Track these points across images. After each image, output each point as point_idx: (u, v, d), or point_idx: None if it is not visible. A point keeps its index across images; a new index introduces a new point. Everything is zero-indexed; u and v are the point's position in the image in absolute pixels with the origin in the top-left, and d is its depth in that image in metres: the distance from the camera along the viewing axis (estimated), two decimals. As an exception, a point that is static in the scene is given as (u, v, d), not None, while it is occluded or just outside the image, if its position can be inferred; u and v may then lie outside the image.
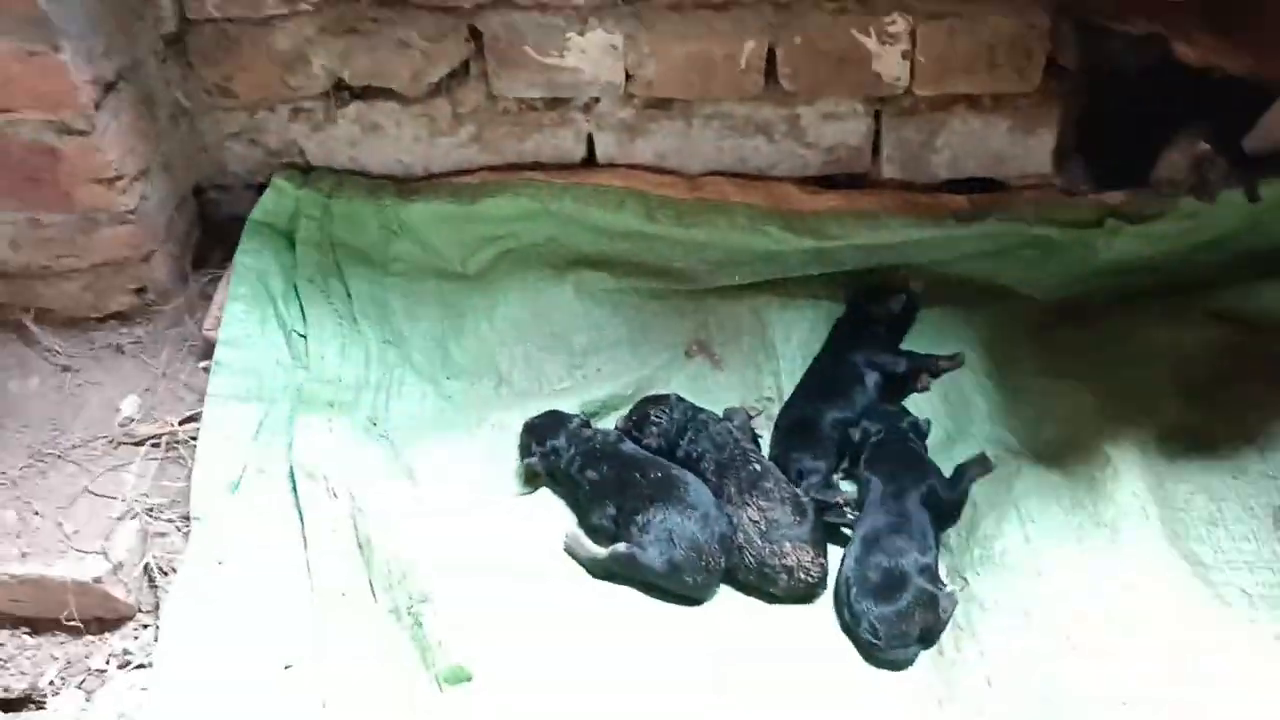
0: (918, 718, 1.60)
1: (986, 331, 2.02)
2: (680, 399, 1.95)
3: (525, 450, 1.86)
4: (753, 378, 2.08)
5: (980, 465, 1.86)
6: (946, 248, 2.06)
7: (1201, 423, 1.86)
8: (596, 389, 2.02)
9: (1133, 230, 2.01)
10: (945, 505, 1.82)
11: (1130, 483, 1.74)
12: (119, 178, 1.87)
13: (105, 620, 1.82)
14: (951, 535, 1.81)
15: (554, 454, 1.83)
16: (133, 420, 1.95)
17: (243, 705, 1.63)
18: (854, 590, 1.72)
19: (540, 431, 1.85)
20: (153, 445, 1.92)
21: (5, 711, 1.79)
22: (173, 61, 2.00)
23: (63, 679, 1.80)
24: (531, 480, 1.87)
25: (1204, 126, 1.88)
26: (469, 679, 1.60)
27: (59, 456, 1.90)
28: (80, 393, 1.98)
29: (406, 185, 2.12)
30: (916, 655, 1.69)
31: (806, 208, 2.06)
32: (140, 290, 2.05)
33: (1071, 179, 2.07)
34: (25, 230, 1.93)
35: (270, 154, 2.14)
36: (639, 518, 1.73)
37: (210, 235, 2.18)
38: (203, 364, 1.99)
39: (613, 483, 1.78)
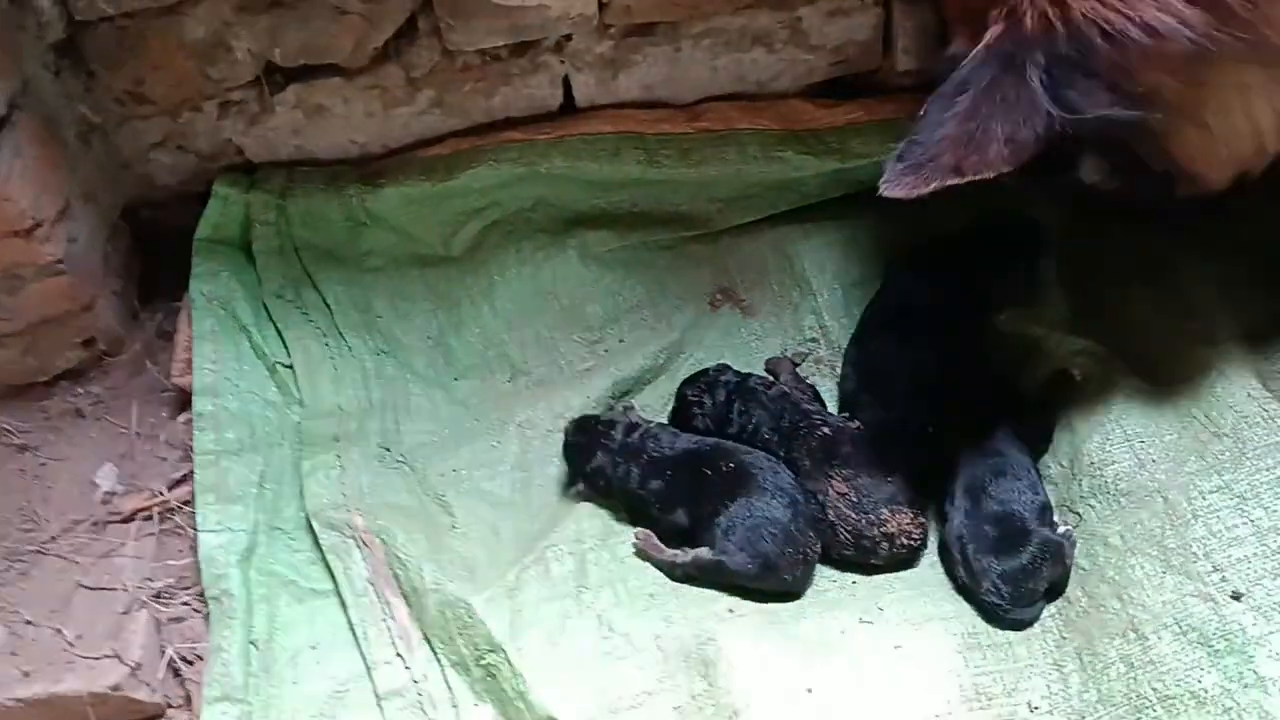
0: (1059, 678, 1.45)
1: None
2: (720, 369, 1.74)
3: (570, 479, 1.65)
4: (790, 319, 1.87)
5: (1066, 383, 1.68)
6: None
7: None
8: (624, 364, 1.80)
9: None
10: (1038, 434, 1.64)
11: (1243, 383, 1.56)
12: (37, 225, 1.59)
13: (129, 721, 1.62)
14: (1052, 466, 1.63)
15: (600, 476, 1.62)
16: (114, 494, 1.70)
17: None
18: (970, 547, 1.54)
19: (578, 453, 1.64)
20: (144, 519, 1.68)
21: None
22: (69, 73, 1.69)
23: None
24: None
25: None
26: (555, 728, 1.43)
27: (39, 552, 1.66)
28: (46, 473, 1.73)
29: (368, 169, 1.85)
30: (1042, 610, 1.53)
31: (823, 124, 1.83)
32: (88, 342, 1.78)
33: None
34: (-60, 299, 1.65)
35: (204, 159, 1.85)
36: (720, 520, 1.54)
37: (153, 260, 1.90)
38: (181, 417, 1.74)
39: (683, 487, 1.57)
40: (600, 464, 1.61)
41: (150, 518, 1.68)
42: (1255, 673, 1.35)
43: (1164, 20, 1.23)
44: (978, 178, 1.28)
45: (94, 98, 1.73)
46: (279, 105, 1.80)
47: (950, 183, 1.29)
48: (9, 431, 1.75)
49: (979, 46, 1.30)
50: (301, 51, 1.73)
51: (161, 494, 1.69)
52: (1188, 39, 1.24)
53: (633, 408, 1.74)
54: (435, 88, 1.82)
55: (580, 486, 1.64)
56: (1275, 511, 1.45)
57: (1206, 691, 1.37)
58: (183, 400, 1.76)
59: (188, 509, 1.69)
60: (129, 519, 1.68)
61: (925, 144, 1.30)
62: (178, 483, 1.71)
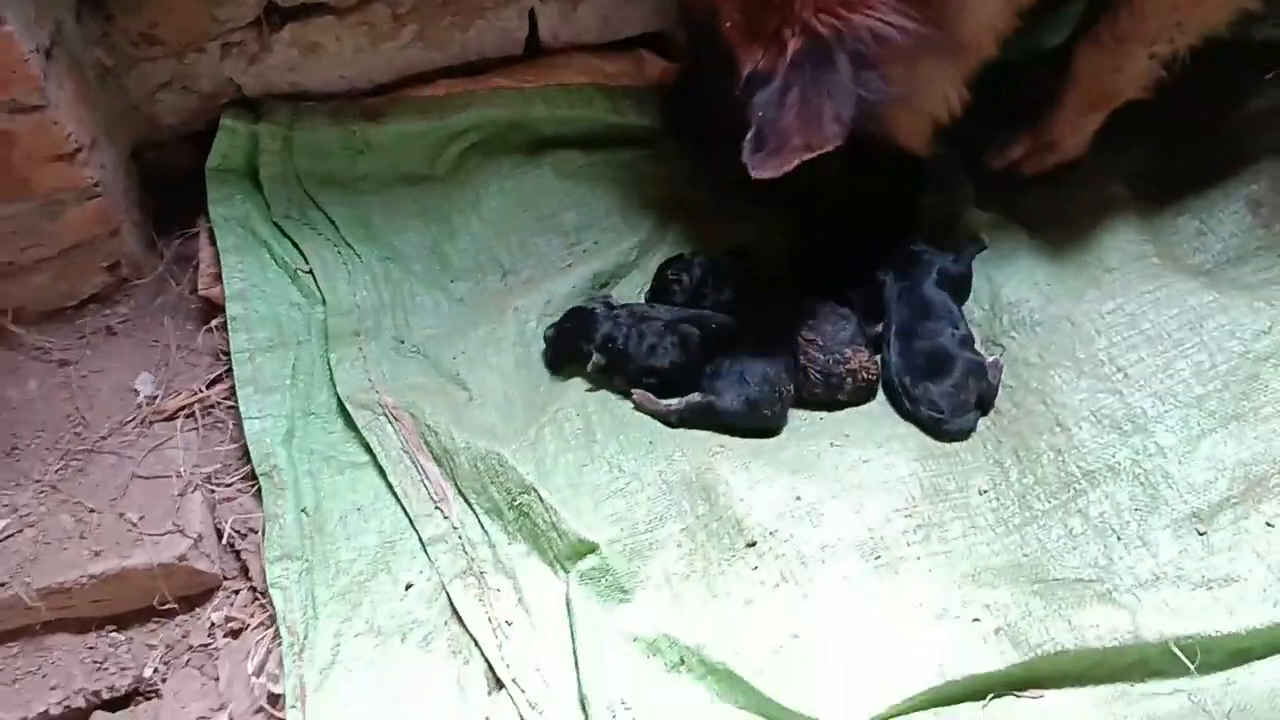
0: (999, 470, 1.75)
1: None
2: (694, 253, 2.00)
3: (576, 354, 1.88)
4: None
5: (977, 244, 1.99)
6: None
7: (1158, 163, 2.05)
8: (600, 260, 2.05)
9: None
10: (957, 280, 1.95)
11: (1125, 232, 1.92)
12: (78, 149, 1.75)
13: (191, 597, 1.79)
14: (976, 311, 1.95)
15: (610, 341, 1.85)
16: (155, 398, 1.87)
17: (377, 645, 1.66)
18: (907, 379, 1.84)
19: (584, 327, 1.87)
20: (187, 416, 1.86)
21: (115, 710, 1.76)
22: (89, 18, 1.85)
23: (166, 664, 1.77)
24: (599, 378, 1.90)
25: None
26: (594, 549, 1.67)
27: (92, 451, 1.82)
28: (87, 383, 1.89)
29: (371, 107, 2.05)
30: (977, 420, 1.83)
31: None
32: (113, 267, 1.94)
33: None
34: (-17, 228, 1.80)
35: (205, 99, 2.03)
36: (708, 369, 1.80)
37: (159, 198, 2.07)
38: (206, 328, 1.92)
39: (675, 345, 1.84)
40: (609, 331, 1.85)
41: (192, 414, 1.86)
42: (1157, 444, 1.68)
43: (900, 22, 1.59)
44: (821, 151, 1.59)
45: (110, 41, 1.89)
46: (276, 44, 1.99)
47: (804, 159, 1.59)
48: (47, 349, 1.90)
49: (786, 56, 1.59)
50: (300, -8, 1.94)
51: (200, 392, 1.87)
52: (911, 35, 1.59)
53: (610, 298, 1.98)
54: (418, 22, 2.03)
55: (598, 357, 1.85)
56: (1158, 323, 1.79)
57: (1120, 464, 1.69)
58: (207, 311, 1.94)
59: (225, 404, 1.87)
60: (172, 417, 1.86)
61: (773, 133, 1.60)
62: (212, 382, 1.89)
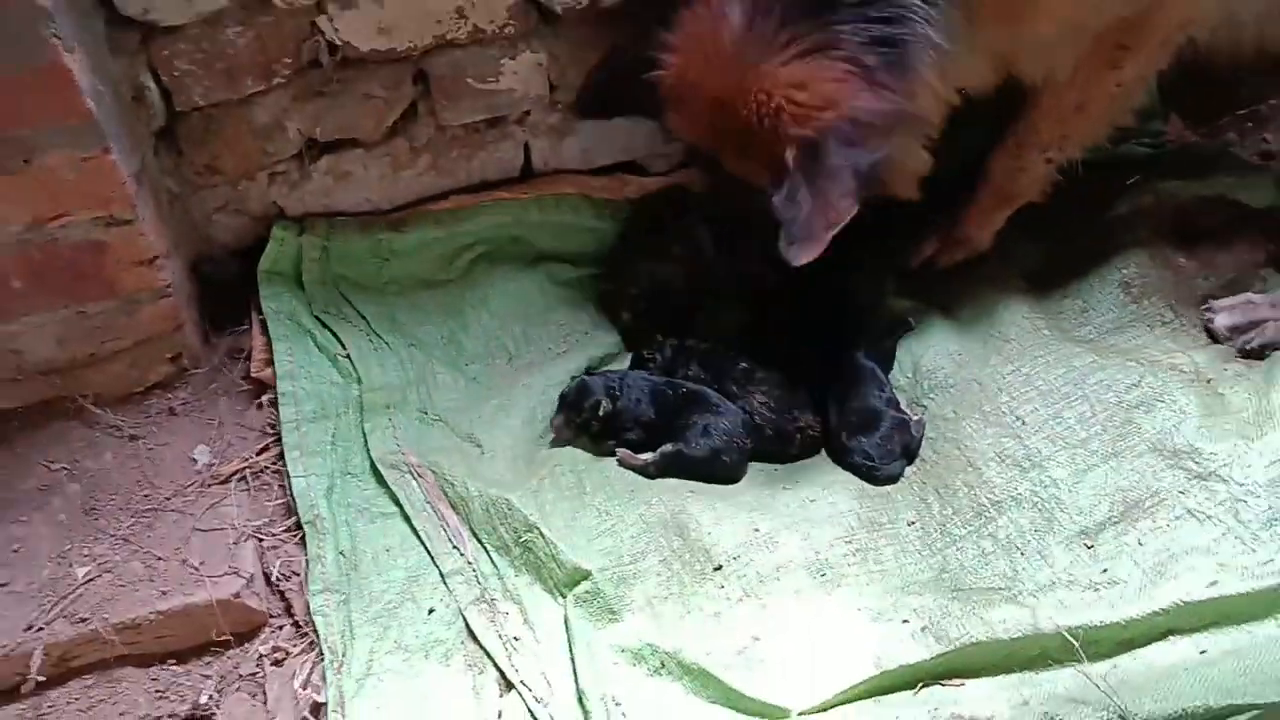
0: (923, 505, 2.10)
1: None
2: (663, 339, 2.39)
3: (579, 409, 2.23)
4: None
5: (904, 324, 2.38)
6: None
7: (1048, 255, 2.47)
8: (591, 348, 2.43)
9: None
10: (884, 353, 2.34)
11: (1021, 310, 2.34)
12: (156, 256, 2.13)
13: (241, 634, 2.09)
14: (901, 378, 2.33)
15: (600, 407, 2.22)
16: (212, 465, 2.21)
17: (405, 660, 1.96)
18: (844, 433, 2.21)
19: (587, 389, 2.24)
20: (239, 480, 2.19)
21: (176, 733, 2.04)
22: (164, 152, 2.26)
23: (220, 691, 2.06)
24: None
25: None
26: (587, 576, 1.99)
27: (158, 509, 2.15)
28: (153, 455, 2.22)
29: (394, 220, 2.46)
30: (903, 468, 2.19)
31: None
32: (176, 358, 2.30)
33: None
34: (73, 324, 2.15)
35: (253, 219, 2.42)
36: (678, 423, 2.17)
37: (212, 301, 2.44)
38: (258, 402, 2.27)
39: (655, 407, 2.22)
40: (605, 391, 2.22)
41: (244, 477, 2.19)
42: (1051, 477, 2.05)
43: (866, 104, 1.96)
44: (844, 224, 1.94)
45: (179, 172, 2.30)
46: (314, 172, 2.40)
47: (832, 234, 1.94)
48: (120, 427, 2.24)
49: (791, 172, 1.95)
50: (336, 129, 2.35)
51: (250, 459, 2.21)
52: (893, 113, 1.99)
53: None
54: (432, 154, 2.45)
55: (605, 405, 2.22)
56: (1048, 380, 2.18)
57: (1022, 494, 2.05)
58: (255, 392, 2.30)
59: (272, 469, 2.21)
60: (226, 480, 2.18)
61: (798, 227, 1.95)
62: (260, 451, 2.22)
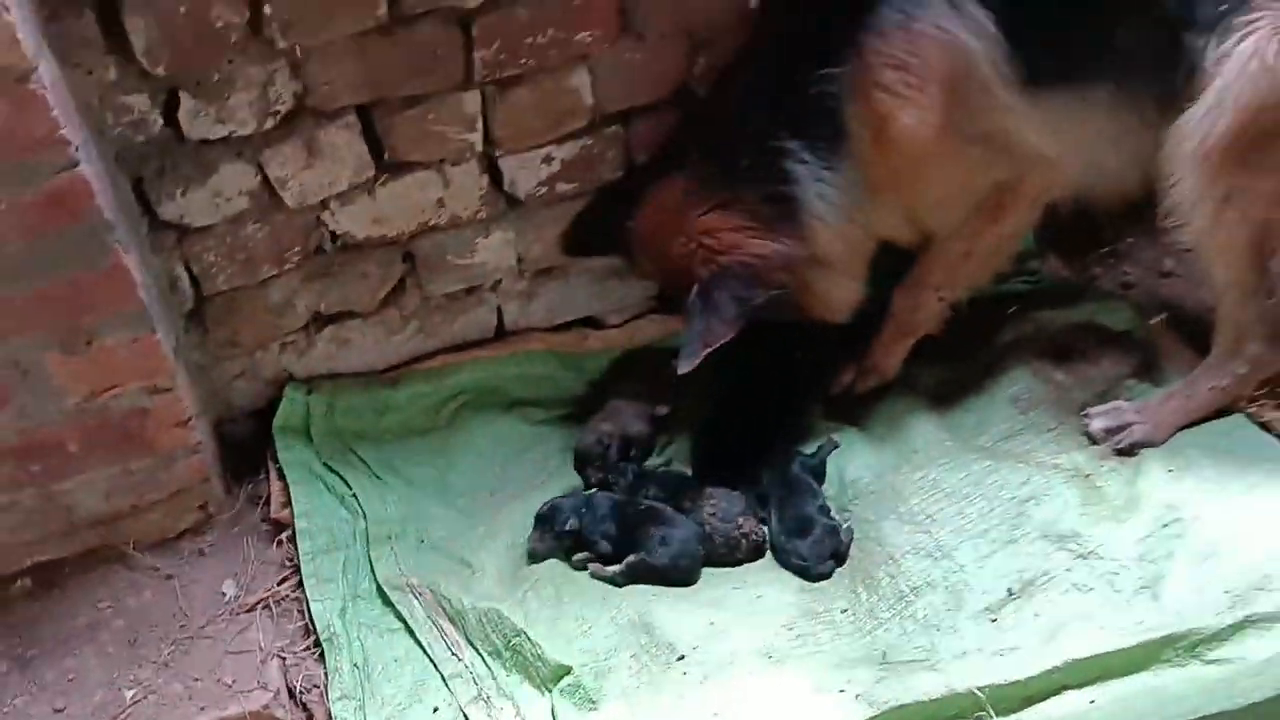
0: (853, 595, 2.45)
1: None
2: (627, 464, 2.76)
3: (550, 524, 2.58)
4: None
5: (831, 443, 2.78)
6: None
7: (947, 377, 2.90)
8: (564, 478, 2.79)
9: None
10: (816, 468, 2.72)
11: (927, 425, 2.73)
12: (190, 418, 2.51)
13: (270, 741, 2.39)
14: (830, 488, 2.70)
15: (571, 530, 2.57)
16: (238, 596, 2.54)
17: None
18: (782, 537, 2.57)
19: (559, 510, 2.59)
20: (264, 608, 2.52)
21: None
22: (193, 329, 2.66)
23: (251, 795, 2.35)
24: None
25: None
26: (569, 672, 2.32)
27: (193, 637, 2.47)
28: (186, 591, 2.55)
29: (389, 378, 2.86)
30: (834, 568, 2.54)
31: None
32: (203, 506, 2.65)
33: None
34: (118, 480, 2.51)
35: (266, 384, 2.81)
36: (640, 536, 2.53)
37: (232, 457, 2.81)
38: (277, 539, 2.62)
39: (618, 523, 2.57)
40: (575, 510, 2.57)
41: (267, 606, 2.52)
42: (958, 564, 2.41)
43: (759, 250, 2.47)
44: (721, 343, 2.43)
45: (204, 346, 2.69)
46: (319, 341, 2.80)
47: (707, 352, 2.42)
48: (158, 568, 2.58)
49: (691, 300, 2.46)
50: (337, 303, 2.76)
51: (272, 589, 2.54)
52: (785, 255, 2.49)
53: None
54: (419, 319, 2.86)
55: (573, 521, 2.56)
56: (952, 483, 2.56)
57: (935, 580, 2.40)
58: (276, 531, 2.64)
59: (292, 597, 2.54)
60: (252, 609, 2.51)
61: (691, 342, 2.44)
62: (280, 582, 2.56)
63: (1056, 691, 2.19)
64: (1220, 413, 2.62)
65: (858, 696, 2.23)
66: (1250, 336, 2.55)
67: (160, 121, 2.37)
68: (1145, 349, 2.83)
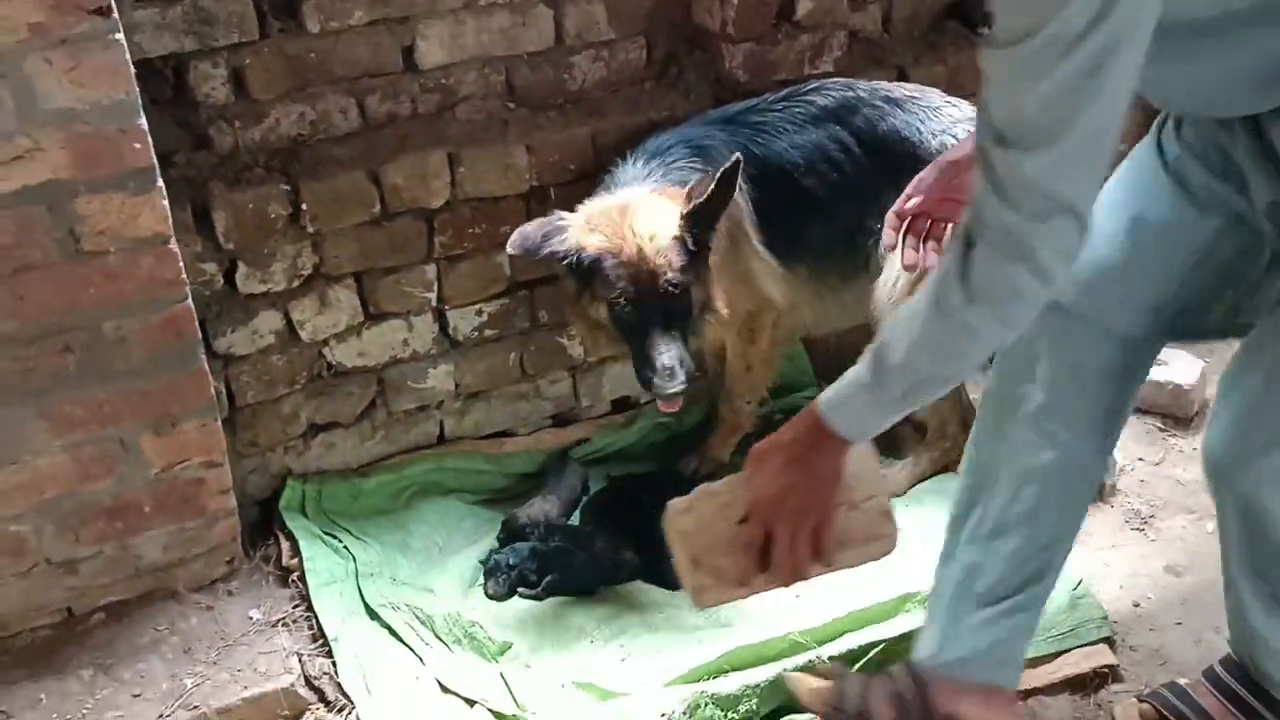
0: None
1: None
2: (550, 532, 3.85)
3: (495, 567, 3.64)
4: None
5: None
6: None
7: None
8: (489, 540, 3.85)
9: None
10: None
11: None
12: (228, 488, 3.51)
13: (292, 714, 3.28)
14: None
15: (505, 573, 3.63)
16: (264, 618, 3.46)
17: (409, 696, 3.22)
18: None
19: (498, 569, 3.65)
20: (283, 625, 3.45)
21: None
22: (225, 432, 3.68)
23: (280, 756, 3.24)
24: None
25: None
26: (510, 647, 3.34)
27: (231, 645, 3.37)
28: (224, 617, 3.45)
29: (362, 471, 3.90)
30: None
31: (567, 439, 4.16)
32: (230, 560, 3.59)
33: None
34: (174, 536, 3.44)
35: (270, 478, 3.82)
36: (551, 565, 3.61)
37: (245, 530, 3.77)
38: (288, 580, 3.57)
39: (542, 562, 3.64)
40: (506, 563, 3.62)
41: (286, 624, 3.45)
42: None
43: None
44: None
45: (233, 448, 3.70)
46: (313, 445, 3.84)
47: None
48: (200, 602, 3.49)
49: None
50: (328, 416, 3.82)
51: (289, 612, 3.48)
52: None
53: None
54: (385, 429, 3.94)
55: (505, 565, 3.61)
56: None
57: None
58: (286, 575, 3.59)
59: (304, 616, 3.47)
60: (274, 625, 3.44)
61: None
62: (294, 607, 3.50)
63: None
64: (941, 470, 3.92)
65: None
66: (950, 424, 3.87)
67: (222, 280, 3.50)
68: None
